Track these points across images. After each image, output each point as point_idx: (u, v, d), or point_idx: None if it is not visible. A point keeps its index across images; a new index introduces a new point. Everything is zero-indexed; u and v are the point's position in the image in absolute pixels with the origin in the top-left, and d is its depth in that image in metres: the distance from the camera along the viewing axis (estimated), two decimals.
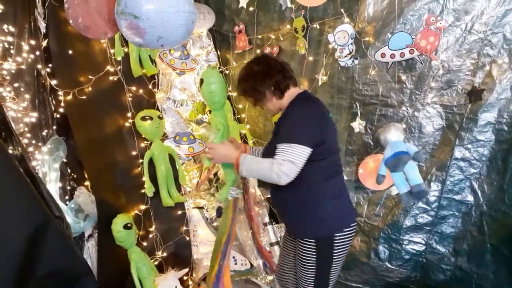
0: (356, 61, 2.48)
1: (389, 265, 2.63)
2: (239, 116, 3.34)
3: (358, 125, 2.54)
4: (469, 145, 2.26)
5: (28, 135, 2.48)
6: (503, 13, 2.03)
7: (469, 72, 2.19)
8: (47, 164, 2.47)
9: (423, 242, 2.53)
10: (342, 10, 2.45)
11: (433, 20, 2.14)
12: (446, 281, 2.47)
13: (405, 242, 2.56)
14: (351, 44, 2.45)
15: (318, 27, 2.59)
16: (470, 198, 2.33)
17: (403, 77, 2.36)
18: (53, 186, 2.47)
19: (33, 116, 2.47)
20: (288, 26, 2.74)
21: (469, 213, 2.35)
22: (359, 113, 2.53)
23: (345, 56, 2.48)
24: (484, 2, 2.06)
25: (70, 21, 1.88)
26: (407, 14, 2.24)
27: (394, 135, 1.72)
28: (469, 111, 2.21)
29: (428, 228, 2.49)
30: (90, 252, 2.64)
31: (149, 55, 2.76)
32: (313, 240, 1.76)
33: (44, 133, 2.53)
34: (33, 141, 2.49)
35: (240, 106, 3.29)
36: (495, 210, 2.23)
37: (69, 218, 2.38)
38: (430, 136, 2.39)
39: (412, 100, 2.37)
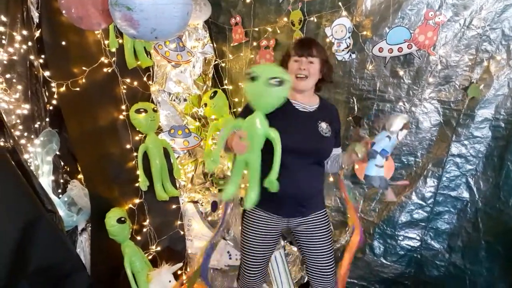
0: (354, 56, 2.46)
1: (384, 261, 2.63)
2: (235, 110, 3.31)
3: None
4: (465, 141, 2.25)
5: (20, 127, 2.44)
6: (502, 9, 2.01)
7: (467, 68, 2.17)
8: (39, 157, 2.43)
9: (418, 238, 2.52)
10: (339, 3, 2.42)
11: (431, 14, 2.11)
12: (440, 277, 2.48)
13: (400, 238, 2.56)
14: (349, 38, 2.42)
15: (315, 20, 2.56)
16: (465, 194, 2.33)
17: (401, 72, 2.34)
18: (45, 179, 2.44)
19: (25, 108, 2.43)
20: (285, 19, 2.71)
21: (465, 210, 2.34)
22: (356, 108, 2.51)
23: (342, 50, 2.45)
24: None
25: (63, 12, 1.84)
26: (405, 9, 2.22)
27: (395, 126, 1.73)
28: (466, 107, 2.20)
29: (423, 224, 2.48)
30: (83, 246, 2.62)
31: (144, 47, 2.72)
32: (325, 209, 2.00)
33: (36, 125, 2.49)
34: (25, 134, 2.45)
35: (236, 100, 3.26)
36: (490, 207, 2.22)
37: (62, 211, 2.36)
38: (427, 132, 2.37)
39: (409, 95, 2.36)
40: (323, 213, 1.97)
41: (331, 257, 1.96)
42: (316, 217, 1.94)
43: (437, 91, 2.28)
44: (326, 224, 1.96)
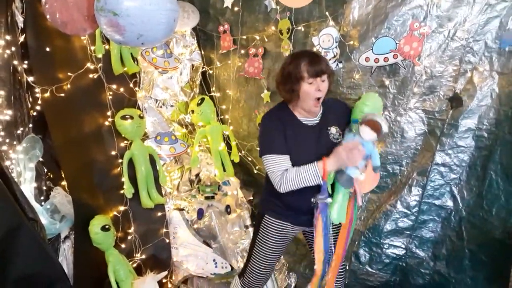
0: (341, 65, 2.48)
1: (369, 269, 2.63)
2: (222, 117, 3.30)
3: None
4: (449, 151, 2.28)
5: (2, 133, 2.39)
6: (485, 21, 2.05)
7: (451, 79, 2.21)
8: (22, 163, 2.39)
9: (403, 246, 2.54)
10: (327, 13, 2.44)
11: (416, 26, 2.15)
12: (425, 285, 2.49)
13: (385, 246, 2.57)
14: (336, 47, 2.44)
15: (303, 29, 2.58)
16: (449, 203, 2.35)
17: (387, 82, 2.37)
18: (27, 186, 2.40)
19: (7, 114, 2.39)
20: (273, 28, 2.73)
21: (449, 218, 2.37)
22: None
23: (330, 60, 2.47)
24: (466, 9, 2.08)
25: (48, 17, 1.82)
26: (391, 19, 2.25)
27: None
28: (450, 117, 2.23)
29: (408, 232, 2.50)
30: (66, 254, 2.58)
31: (131, 53, 2.70)
32: None
33: (19, 131, 2.45)
34: (7, 140, 2.40)
35: (224, 107, 3.26)
36: (473, 216, 2.25)
37: (44, 219, 2.32)
38: (412, 141, 2.40)
39: (394, 104, 2.38)
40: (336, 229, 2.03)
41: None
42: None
43: (421, 101, 2.31)
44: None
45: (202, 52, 3.25)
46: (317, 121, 1.89)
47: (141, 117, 2.67)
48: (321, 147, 1.81)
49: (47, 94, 2.31)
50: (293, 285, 3.00)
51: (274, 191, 1.87)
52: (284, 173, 1.78)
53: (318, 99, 1.79)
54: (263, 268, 2.12)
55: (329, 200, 1.78)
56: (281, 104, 1.96)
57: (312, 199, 1.79)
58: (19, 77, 2.41)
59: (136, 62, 2.79)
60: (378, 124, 1.63)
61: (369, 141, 1.69)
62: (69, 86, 2.40)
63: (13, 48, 2.35)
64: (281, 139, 1.81)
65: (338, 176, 1.79)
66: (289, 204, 1.93)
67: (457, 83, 2.19)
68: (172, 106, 3.11)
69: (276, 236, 2.03)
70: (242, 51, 2.96)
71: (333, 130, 1.86)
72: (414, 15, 2.20)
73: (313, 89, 1.76)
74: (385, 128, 1.64)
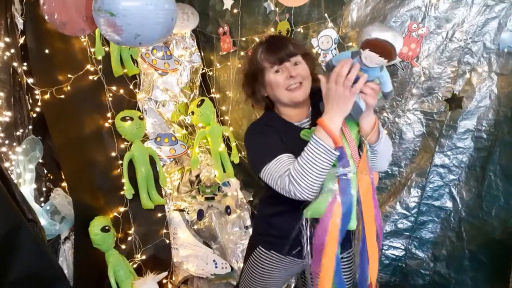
0: None
1: None
2: (222, 118, 3.31)
3: None
4: (448, 152, 2.27)
5: (2, 134, 2.40)
6: (484, 22, 2.05)
7: (450, 80, 2.20)
8: (21, 165, 2.40)
9: (402, 247, 2.53)
10: (326, 14, 2.45)
11: (415, 27, 2.15)
12: (425, 286, 2.49)
13: (385, 247, 2.56)
14: (335, 49, 2.45)
15: (302, 31, 2.58)
16: (449, 204, 2.35)
17: None
18: (27, 188, 2.40)
19: (7, 115, 2.39)
20: (273, 29, 2.73)
21: (448, 219, 2.37)
22: None
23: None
24: (465, 10, 2.08)
25: (46, 17, 1.82)
26: (390, 20, 2.25)
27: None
28: (449, 118, 2.23)
29: (407, 233, 2.50)
30: (66, 255, 2.58)
31: (131, 55, 2.71)
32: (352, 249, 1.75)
33: (19, 133, 2.45)
34: (7, 141, 2.40)
35: (224, 108, 3.26)
36: (473, 217, 2.24)
37: (44, 220, 2.32)
38: (411, 143, 2.40)
39: (393, 106, 2.38)
40: (350, 253, 1.71)
41: None
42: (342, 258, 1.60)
43: (420, 102, 2.31)
44: (351, 267, 1.71)
45: (202, 54, 3.25)
46: (310, 122, 1.53)
47: (141, 119, 2.68)
48: None
49: (47, 96, 2.32)
50: (292, 285, 3.00)
51: (265, 218, 1.63)
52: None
53: (296, 87, 1.42)
54: None
55: (352, 172, 1.23)
56: (266, 112, 1.61)
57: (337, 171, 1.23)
58: (19, 79, 2.42)
59: (136, 64, 2.80)
60: (387, 44, 1.11)
61: (376, 66, 1.19)
62: (69, 88, 2.41)
63: (12, 50, 2.36)
64: (278, 142, 1.41)
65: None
66: (281, 228, 1.53)
67: (456, 84, 2.19)
68: (171, 107, 3.11)
69: (269, 271, 1.64)
70: (242, 53, 2.96)
71: None
72: (413, 16, 2.20)
73: (283, 78, 1.41)
74: (399, 44, 1.13)
